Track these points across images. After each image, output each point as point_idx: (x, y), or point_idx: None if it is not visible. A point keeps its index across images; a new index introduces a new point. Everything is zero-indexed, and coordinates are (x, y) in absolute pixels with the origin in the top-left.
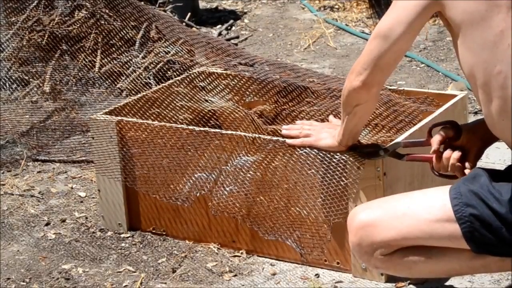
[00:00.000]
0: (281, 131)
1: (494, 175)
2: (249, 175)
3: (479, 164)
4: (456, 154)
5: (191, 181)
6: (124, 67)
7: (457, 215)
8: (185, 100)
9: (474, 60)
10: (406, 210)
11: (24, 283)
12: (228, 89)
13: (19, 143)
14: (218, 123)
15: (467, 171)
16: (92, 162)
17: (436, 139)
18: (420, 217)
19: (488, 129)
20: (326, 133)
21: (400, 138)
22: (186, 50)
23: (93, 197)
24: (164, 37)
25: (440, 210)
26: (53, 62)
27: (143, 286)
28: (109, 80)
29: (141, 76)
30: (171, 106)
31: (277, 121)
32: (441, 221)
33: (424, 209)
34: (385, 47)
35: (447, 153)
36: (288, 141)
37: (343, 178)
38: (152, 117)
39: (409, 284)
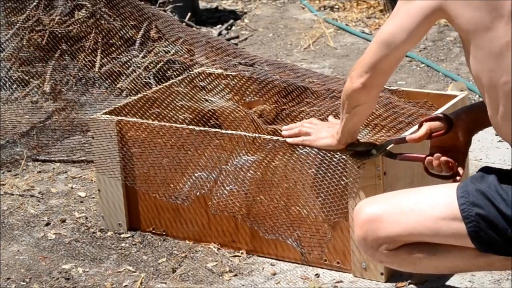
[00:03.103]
0: (281, 131)
1: (501, 174)
2: (249, 174)
3: (479, 164)
4: (445, 156)
5: (191, 180)
6: (124, 66)
7: (464, 214)
8: (185, 100)
9: (480, 68)
10: (413, 206)
11: (24, 283)
12: (228, 89)
13: (19, 143)
14: (218, 122)
15: (460, 171)
16: (92, 162)
17: (422, 131)
18: (426, 214)
19: (471, 118)
20: (325, 132)
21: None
22: (186, 49)
23: (93, 197)
24: (164, 37)
25: (446, 208)
26: (53, 62)
27: (143, 286)
28: (109, 80)
29: (141, 76)
30: (171, 106)
31: (277, 121)
32: (447, 219)
33: (430, 206)
34: (386, 52)
35: (437, 153)
36: (289, 140)
37: (343, 178)
38: (152, 117)
39: (409, 284)
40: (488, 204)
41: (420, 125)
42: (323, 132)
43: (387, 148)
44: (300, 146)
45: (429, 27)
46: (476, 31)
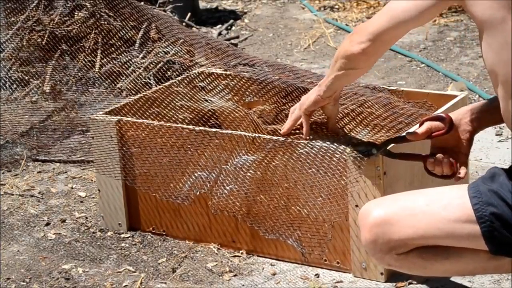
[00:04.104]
0: (280, 131)
1: (510, 174)
2: (249, 174)
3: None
4: (446, 157)
5: (191, 180)
6: (124, 67)
7: (478, 214)
8: (185, 100)
9: (495, 59)
10: (423, 208)
11: (24, 283)
12: (227, 89)
13: (19, 143)
14: (218, 122)
15: (462, 171)
16: (92, 162)
17: (421, 129)
18: (438, 216)
19: (473, 118)
20: (308, 93)
21: None
22: (185, 50)
23: (93, 197)
24: (164, 37)
25: (458, 209)
26: (53, 62)
27: (143, 286)
28: (109, 80)
29: (141, 76)
30: (170, 106)
31: (276, 121)
32: (460, 220)
33: (442, 208)
34: (394, 25)
35: (439, 154)
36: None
37: (343, 177)
38: (151, 117)
39: (409, 284)
40: (501, 203)
41: (421, 124)
42: (305, 96)
43: (387, 148)
44: (300, 145)
45: (441, 10)
46: (491, 21)
